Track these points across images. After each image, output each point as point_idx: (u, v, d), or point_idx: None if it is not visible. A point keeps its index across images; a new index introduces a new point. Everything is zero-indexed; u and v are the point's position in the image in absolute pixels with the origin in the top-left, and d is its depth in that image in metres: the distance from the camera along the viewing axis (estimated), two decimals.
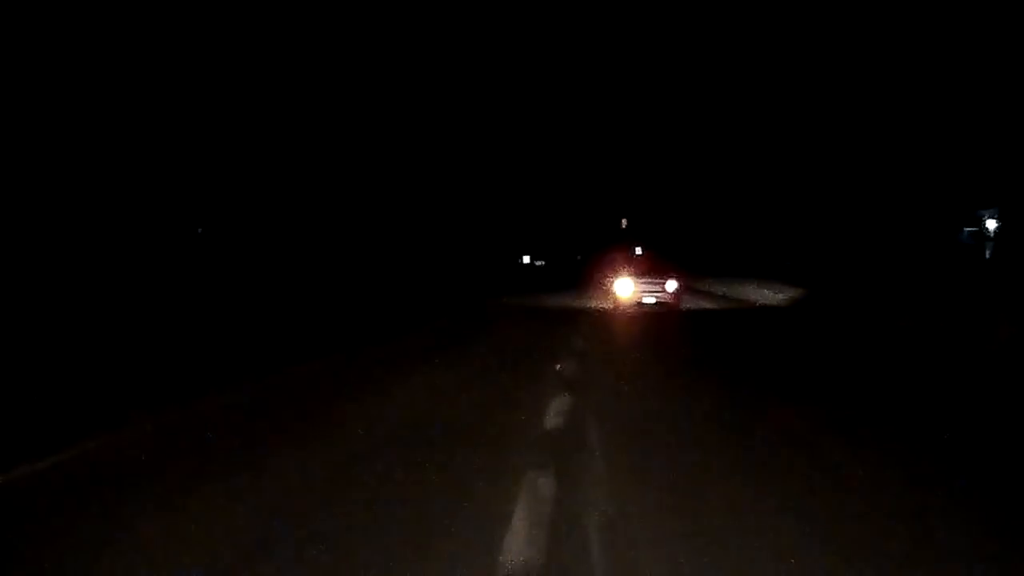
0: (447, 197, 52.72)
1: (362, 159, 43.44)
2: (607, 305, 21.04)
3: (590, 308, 21.33)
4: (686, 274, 21.08)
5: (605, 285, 21.76)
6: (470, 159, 54.65)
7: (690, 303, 22.25)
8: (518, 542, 3.72)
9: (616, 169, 61.96)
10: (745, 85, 44.51)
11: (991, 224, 24.40)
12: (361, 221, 44.09)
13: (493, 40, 64.09)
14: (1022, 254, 21.27)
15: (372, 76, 45.32)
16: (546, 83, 68.68)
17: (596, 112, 68.29)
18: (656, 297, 19.63)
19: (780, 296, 23.84)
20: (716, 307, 23.12)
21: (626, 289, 19.79)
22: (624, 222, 40.08)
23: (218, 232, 38.63)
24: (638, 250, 39.81)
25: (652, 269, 20.45)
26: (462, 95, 57.25)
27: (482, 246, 56.31)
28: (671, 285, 19.66)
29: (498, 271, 46.93)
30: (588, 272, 33.14)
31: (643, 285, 19.77)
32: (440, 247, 51.45)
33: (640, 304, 19.65)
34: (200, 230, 38.09)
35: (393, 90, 46.99)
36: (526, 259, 59.42)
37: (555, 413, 6.89)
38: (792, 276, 25.92)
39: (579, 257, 62.21)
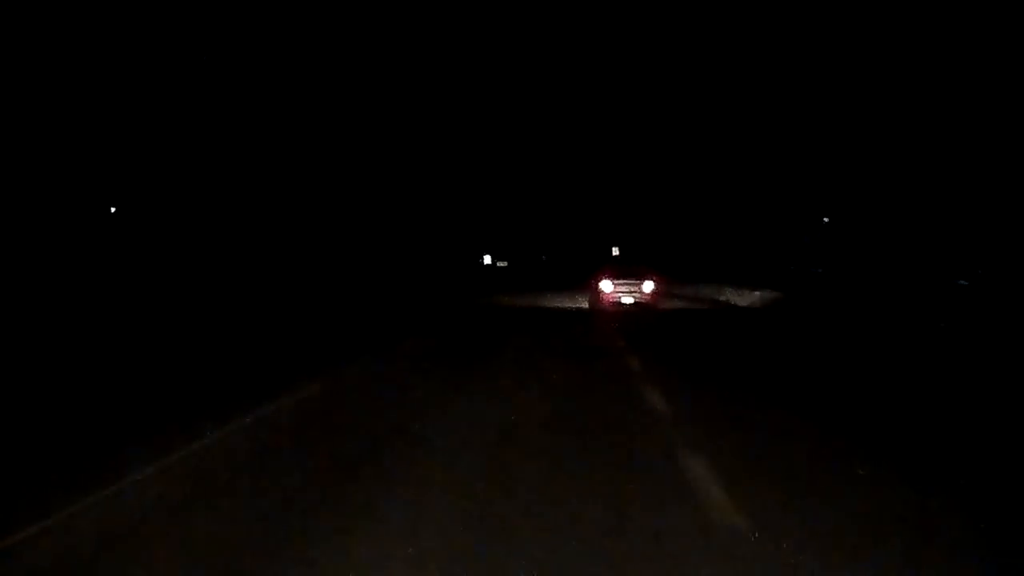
0: (399, 193, 49.64)
1: (297, 145, 39.92)
2: (585, 305, 22.98)
3: (574, 310, 22.97)
4: (662, 276, 22.95)
5: (587, 286, 23.50)
6: (424, 153, 51.48)
7: (681, 305, 24.40)
8: None
9: (589, 168, 61.55)
10: (726, 90, 42.86)
11: None
12: (293, 214, 40.41)
13: (453, 34, 61.49)
14: None
15: (317, 62, 43.06)
16: (506, 76, 66.30)
17: (565, 109, 66.38)
18: (634, 297, 21.29)
19: (757, 297, 26.22)
20: (703, 308, 25.13)
21: (606, 290, 21.44)
22: (616, 250, 43.14)
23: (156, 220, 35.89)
24: (615, 250, 42.04)
25: (630, 271, 22.20)
26: (414, 85, 54.77)
27: (439, 245, 53.15)
28: (648, 286, 21.36)
29: (458, 273, 45.93)
30: (558, 273, 31.63)
31: (622, 286, 21.43)
32: (392, 245, 48.04)
33: (619, 304, 21.27)
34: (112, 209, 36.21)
35: (339, 79, 44.40)
36: (487, 259, 56.50)
37: None
38: (788, 281, 28.08)
39: (544, 257, 60.04)
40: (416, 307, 22.36)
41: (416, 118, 51.87)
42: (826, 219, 37.49)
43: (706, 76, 49.03)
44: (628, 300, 21.18)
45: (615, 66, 68.55)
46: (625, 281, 21.46)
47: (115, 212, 35.52)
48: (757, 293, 26.19)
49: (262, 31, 40.12)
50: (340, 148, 45.07)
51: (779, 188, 41.47)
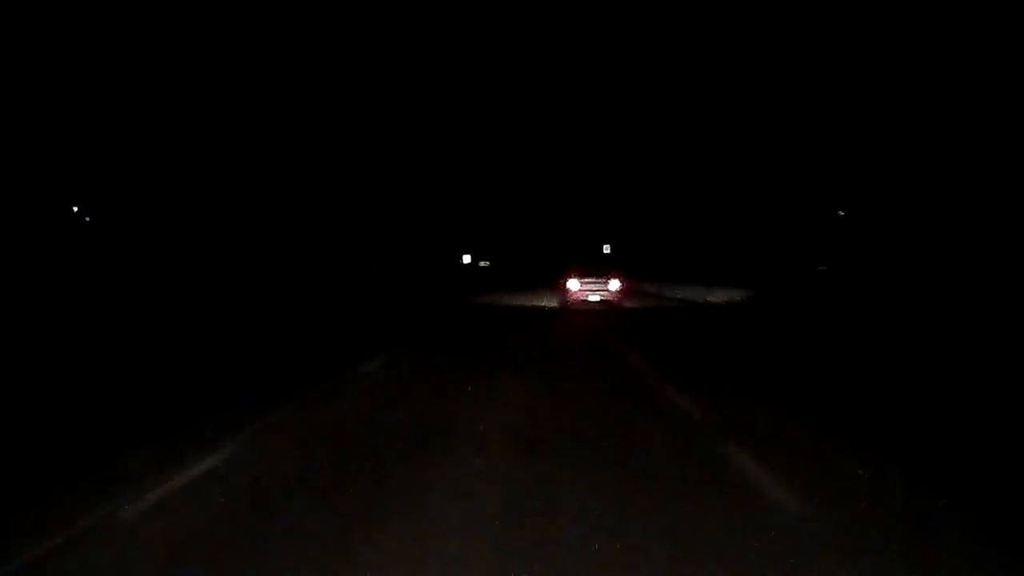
0: (375, 190, 46.96)
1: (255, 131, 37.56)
2: (555, 304, 24.08)
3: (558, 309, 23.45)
4: (628, 275, 24.13)
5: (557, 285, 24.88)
6: (401, 149, 48.91)
7: (660, 303, 25.96)
8: None
9: (575, 163, 59.59)
10: (722, 78, 40.35)
11: None
12: (263, 213, 38.30)
13: (435, 29, 59.44)
14: None
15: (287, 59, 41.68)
16: (488, 72, 64.36)
17: (550, 103, 64.03)
18: (601, 296, 22.27)
19: (733, 296, 26.68)
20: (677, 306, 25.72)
21: (573, 288, 22.42)
22: (607, 248, 44.16)
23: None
24: (606, 248, 43.19)
25: (597, 271, 23.18)
26: (392, 78, 52.79)
27: (416, 245, 50.18)
28: (614, 284, 22.38)
29: (436, 274, 43.98)
30: (542, 273, 32.08)
31: (588, 285, 22.35)
32: (367, 245, 45.20)
33: (586, 302, 22.31)
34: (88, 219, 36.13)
35: (310, 72, 42.81)
36: (467, 259, 53.28)
37: None
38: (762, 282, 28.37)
39: (527, 257, 57.65)
40: (400, 310, 22.20)
41: (393, 113, 49.58)
42: (841, 212, 33.67)
43: (700, 66, 45.74)
44: (595, 298, 22.28)
45: (602, 58, 66.07)
46: (592, 280, 22.46)
47: (107, 215, 35.68)
48: (730, 292, 26.71)
49: (242, 33, 39.88)
50: (310, 142, 42.86)
51: (786, 181, 37.67)
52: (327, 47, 48.73)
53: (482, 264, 57.64)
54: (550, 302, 24.90)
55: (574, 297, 22.24)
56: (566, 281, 22.62)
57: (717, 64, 43.91)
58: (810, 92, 34.32)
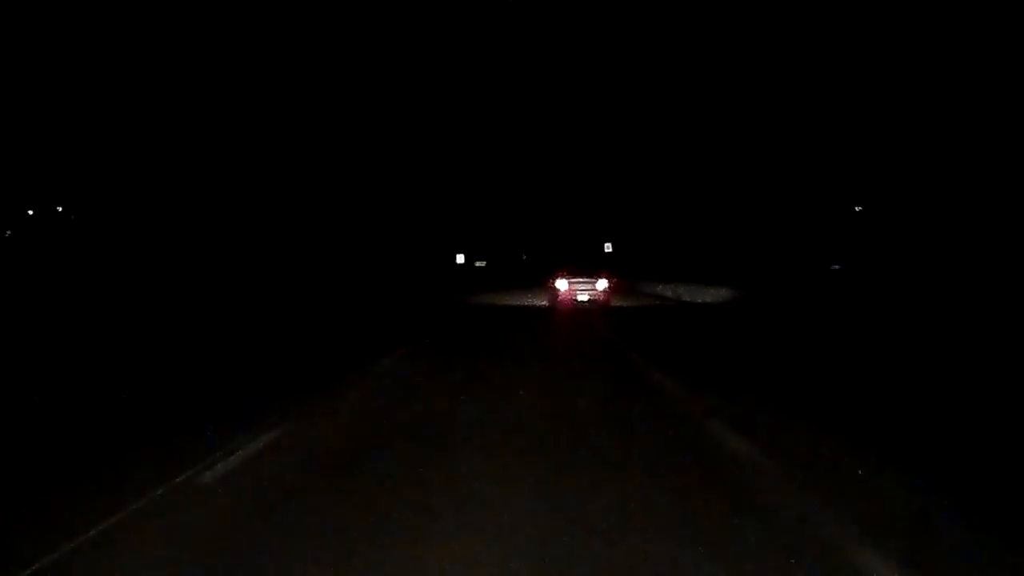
0: (366, 188, 45.82)
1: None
2: (544, 303, 24.67)
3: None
4: (616, 275, 24.68)
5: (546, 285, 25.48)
6: (395, 147, 47.84)
7: (655, 303, 26.84)
8: None
9: (574, 161, 60.05)
10: (726, 71, 39.56)
11: None
12: (249, 210, 37.22)
13: (430, 27, 58.65)
14: None
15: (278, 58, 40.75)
16: (484, 70, 63.46)
17: (547, 100, 63.21)
18: (589, 295, 22.81)
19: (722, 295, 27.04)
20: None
21: (561, 288, 22.94)
22: (608, 246, 45.43)
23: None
24: (607, 246, 44.44)
25: (585, 271, 23.74)
26: (385, 74, 52.07)
27: (409, 243, 48.86)
28: (601, 284, 22.96)
29: (430, 274, 43.40)
30: (539, 273, 31.37)
31: (577, 284, 22.89)
32: (357, 244, 43.94)
33: (575, 301, 22.72)
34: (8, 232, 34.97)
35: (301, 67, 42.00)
36: (460, 259, 51.97)
37: None
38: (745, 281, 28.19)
39: (524, 256, 56.74)
40: (394, 313, 21.89)
41: (389, 111, 48.66)
42: (858, 208, 32.17)
43: (707, 56, 44.45)
44: (583, 298, 22.75)
45: (602, 54, 64.79)
46: (580, 280, 22.98)
47: (95, 215, 35.30)
48: (726, 292, 26.44)
49: (236, 31, 39.47)
50: (302, 140, 41.78)
51: (800, 175, 36.07)
52: (322, 46, 47.76)
53: (478, 264, 57.16)
54: (547, 302, 25.36)
55: (563, 297, 22.82)
56: (554, 281, 23.34)
57: (724, 55, 42.50)
58: (823, 81, 32.87)
